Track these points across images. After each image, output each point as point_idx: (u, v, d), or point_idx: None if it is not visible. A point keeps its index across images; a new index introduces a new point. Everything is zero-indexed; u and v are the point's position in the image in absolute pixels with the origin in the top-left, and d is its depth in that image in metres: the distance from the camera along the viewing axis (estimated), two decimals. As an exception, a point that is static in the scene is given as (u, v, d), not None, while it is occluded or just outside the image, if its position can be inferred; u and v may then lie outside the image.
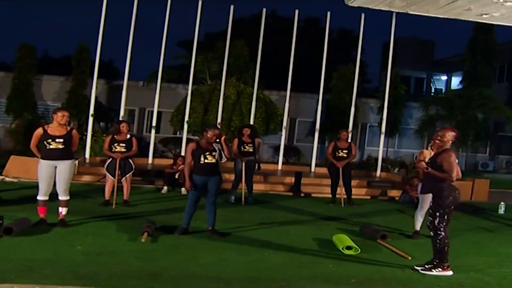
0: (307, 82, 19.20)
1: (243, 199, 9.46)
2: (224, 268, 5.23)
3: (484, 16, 4.87)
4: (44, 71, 20.48)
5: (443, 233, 5.43)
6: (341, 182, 9.97)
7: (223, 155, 6.65)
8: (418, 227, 7.29)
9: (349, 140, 10.63)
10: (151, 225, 6.44)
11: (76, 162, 10.17)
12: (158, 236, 6.32)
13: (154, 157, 14.37)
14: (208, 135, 6.54)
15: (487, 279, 5.35)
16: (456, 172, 5.43)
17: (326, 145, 20.70)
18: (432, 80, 32.36)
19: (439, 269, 5.40)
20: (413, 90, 30.55)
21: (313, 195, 11.30)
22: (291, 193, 11.33)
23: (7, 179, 10.60)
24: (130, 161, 8.52)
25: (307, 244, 6.49)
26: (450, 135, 5.56)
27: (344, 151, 9.93)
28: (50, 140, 6.42)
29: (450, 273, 5.39)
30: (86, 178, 11.02)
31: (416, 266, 5.55)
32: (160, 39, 14.05)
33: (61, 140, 6.46)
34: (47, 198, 6.53)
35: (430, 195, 6.98)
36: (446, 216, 5.44)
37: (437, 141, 5.63)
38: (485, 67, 21.30)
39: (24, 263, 4.88)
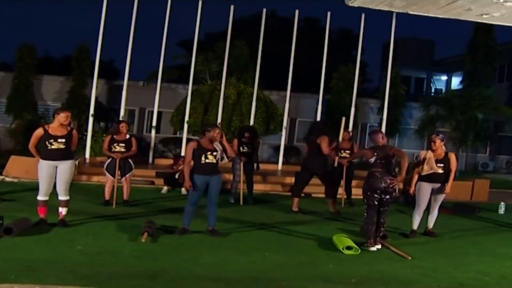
0: (307, 82, 19.18)
1: (241, 199, 9.47)
2: (224, 268, 5.23)
3: (484, 16, 4.86)
4: (44, 71, 20.45)
5: (365, 214, 6.48)
6: (342, 182, 9.97)
7: (225, 156, 6.64)
8: (415, 226, 7.34)
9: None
10: (151, 225, 6.44)
11: (76, 162, 10.17)
12: (158, 236, 6.32)
13: (154, 157, 14.40)
14: (212, 134, 6.52)
15: (487, 279, 5.36)
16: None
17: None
18: (432, 80, 32.35)
19: (365, 245, 6.30)
20: (413, 90, 30.54)
21: (313, 195, 11.30)
22: (291, 193, 11.31)
23: (7, 179, 10.61)
24: (130, 161, 8.52)
25: (307, 244, 6.50)
26: (371, 138, 6.84)
27: (346, 151, 9.92)
28: (52, 141, 6.41)
29: (372, 248, 6.25)
30: (86, 178, 11.02)
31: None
32: (160, 39, 14.08)
33: (63, 140, 6.46)
34: (47, 198, 6.52)
35: (428, 195, 7.15)
36: (365, 200, 6.50)
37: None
38: (485, 67, 21.27)
39: (24, 263, 4.88)
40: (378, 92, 21.90)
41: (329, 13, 14.92)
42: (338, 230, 7.28)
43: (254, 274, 5.08)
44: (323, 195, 10.99)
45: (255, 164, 9.84)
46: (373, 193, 6.43)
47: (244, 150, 9.57)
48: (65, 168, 6.49)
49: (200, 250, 5.85)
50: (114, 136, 8.46)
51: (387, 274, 5.34)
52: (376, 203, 6.45)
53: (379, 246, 6.41)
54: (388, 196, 6.47)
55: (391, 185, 6.45)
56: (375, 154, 6.54)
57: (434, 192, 7.26)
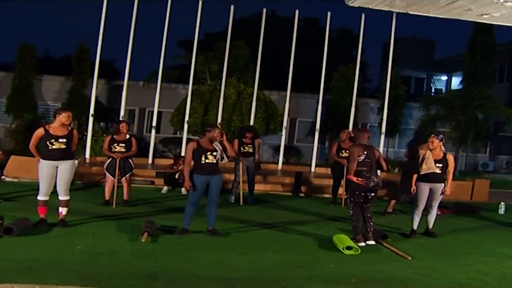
0: (307, 82, 19.19)
1: (241, 199, 9.47)
2: (224, 268, 5.23)
3: (484, 16, 4.87)
4: (44, 71, 20.47)
5: (351, 211, 6.67)
6: (342, 182, 9.97)
7: (225, 156, 6.63)
8: (415, 226, 7.34)
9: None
10: (151, 225, 6.44)
11: (77, 162, 10.17)
12: (158, 236, 6.31)
13: (154, 157, 14.40)
14: (212, 134, 6.51)
15: (487, 279, 5.35)
16: (353, 163, 6.61)
17: (326, 145, 20.76)
18: (432, 80, 32.37)
19: (354, 240, 6.40)
20: (413, 90, 30.56)
21: (313, 195, 11.30)
22: (291, 193, 11.33)
23: (7, 179, 10.60)
24: (130, 161, 8.52)
25: (307, 244, 6.49)
26: (358, 135, 6.96)
27: (347, 151, 9.90)
28: (53, 140, 6.41)
29: (361, 244, 6.36)
30: (86, 178, 11.02)
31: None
32: (160, 39, 14.09)
33: (64, 140, 6.46)
34: (47, 198, 6.52)
35: (426, 195, 7.16)
36: (352, 199, 6.69)
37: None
38: (485, 67, 21.29)
39: (24, 263, 4.88)
40: (378, 92, 21.93)
41: (329, 13, 14.94)
42: (338, 230, 7.28)
43: (254, 274, 5.08)
44: (322, 195, 11.04)
45: (257, 164, 9.85)
46: (361, 192, 6.62)
47: (245, 150, 9.58)
48: (65, 168, 6.49)
49: (200, 250, 5.85)
50: (114, 136, 8.46)
51: (387, 274, 5.34)
52: (361, 201, 6.67)
53: (373, 242, 6.50)
54: (373, 194, 6.69)
55: (377, 184, 6.65)
56: (365, 152, 6.66)
57: (433, 192, 7.26)
